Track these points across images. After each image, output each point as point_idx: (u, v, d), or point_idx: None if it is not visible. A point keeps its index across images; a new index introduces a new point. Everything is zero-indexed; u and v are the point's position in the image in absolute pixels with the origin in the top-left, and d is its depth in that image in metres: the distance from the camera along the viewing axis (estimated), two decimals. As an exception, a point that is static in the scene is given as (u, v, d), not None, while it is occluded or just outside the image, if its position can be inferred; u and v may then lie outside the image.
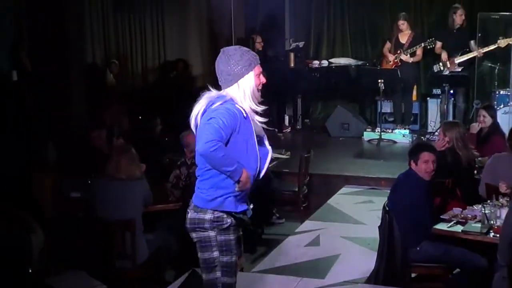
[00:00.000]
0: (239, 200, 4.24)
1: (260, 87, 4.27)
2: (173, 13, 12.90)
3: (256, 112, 4.27)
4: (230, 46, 4.37)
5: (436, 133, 9.00)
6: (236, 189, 4.15)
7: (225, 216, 4.21)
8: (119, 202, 5.93)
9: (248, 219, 4.36)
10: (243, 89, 4.20)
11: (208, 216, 4.20)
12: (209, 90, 4.25)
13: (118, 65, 11.74)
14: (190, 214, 4.26)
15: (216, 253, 4.25)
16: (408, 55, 11.24)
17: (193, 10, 13.19)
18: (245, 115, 4.17)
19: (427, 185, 5.83)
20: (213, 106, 4.13)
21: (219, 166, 4.07)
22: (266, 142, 4.44)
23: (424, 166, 5.80)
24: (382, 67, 11.58)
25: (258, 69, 4.25)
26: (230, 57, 4.20)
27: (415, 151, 5.96)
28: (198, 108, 4.20)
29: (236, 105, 4.15)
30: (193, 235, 4.28)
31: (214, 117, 4.05)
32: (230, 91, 4.20)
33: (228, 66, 4.19)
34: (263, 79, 4.29)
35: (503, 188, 5.99)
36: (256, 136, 4.28)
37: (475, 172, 7.07)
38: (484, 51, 10.70)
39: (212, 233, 4.22)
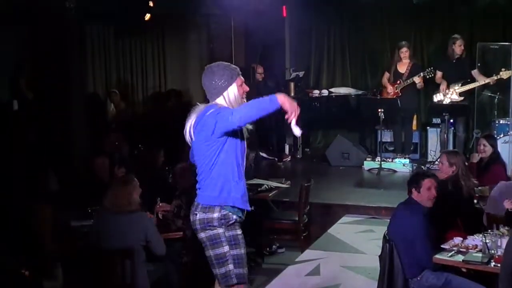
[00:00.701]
0: (242, 198, 4.67)
1: (244, 95, 4.75)
2: (174, 43, 12.98)
3: None
4: (212, 64, 4.82)
5: (437, 162, 8.98)
6: (297, 132, 4.58)
7: (230, 213, 4.64)
8: (118, 232, 5.92)
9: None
10: (228, 99, 4.68)
11: (216, 214, 4.60)
12: (196, 105, 4.73)
13: (118, 95, 11.78)
14: (199, 215, 4.64)
15: (226, 248, 4.64)
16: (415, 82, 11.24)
17: (194, 39, 13.26)
18: None
19: (427, 213, 5.81)
20: (208, 113, 4.56)
21: (258, 109, 4.40)
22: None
23: (428, 193, 5.80)
24: (383, 97, 11.60)
25: (239, 80, 4.71)
26: (214, 72, 4.69)
27: (416, 179, 5.94)
28: (190, 122, 4.67)
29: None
30: (202, 234, 4.65)
31: (218, 112, 4.48)
32: (218, 102, 4.67)
33: (213, 81, 4.68)
34: (246, 88, 4.77)
35: (508, 204, 5.98)
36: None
37: (475, 201, 7.07)
38: (485, 82, 10.74)
39: (220, 230, 4.62)
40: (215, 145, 4.58)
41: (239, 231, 4.73)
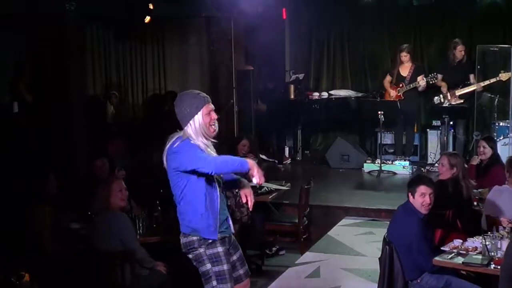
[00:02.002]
0: (208, 229, 4.87)
1: (212, 123, 4.92)
2: (174, 46, 12.98)
3: (208, 146, 4.90)
4: (184, 92, 5.10)
5: (436, 164, 8.99)
6: (254, 181, 4.85)
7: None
8: (98, 233, 5.96)
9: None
10: (194, 127, 4.86)
11: (195, 237, 4.90)
12: (177, 131, 4.94)
13: (118, 97, 11.77)
14: (182, 240, 4.97)
15: (209, 266, 4.90)
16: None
17: (194, 42, 13.26)
18: (200, 148, 4.79)
19: (425, 218, 5.80)
20: (174, 146, 4.82)
21: (231, 168, 4.86)
22: None
23: (421, 199, 5.76)
24: (382, 100, 11.59)
25: (206, 108, 4.88)
26: (182, 101, 4.93)
27: (413, 183, 5.93)
28: (165, 149, 4.93)
29: (191, 142, 4.81)
30: (190, 256, 4.96)
31: (185, 155, 4.75)
32: (186, 130, 4.87)
33: (181, 109, 4.90)
34: (214, 116, 4.93)
35: (505, 223, 5.98)
36: None
37: (475, 203, 7.08)
38: (484, 84, 10.77)
39: (201, 250, 4.90)
40: (184, 175, 4.85)
41: (220, 248, 4.91)
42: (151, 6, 10.74)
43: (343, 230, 8.76)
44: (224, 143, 8.08)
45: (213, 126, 4.91)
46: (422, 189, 5.79)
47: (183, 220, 4.93)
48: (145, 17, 10.90)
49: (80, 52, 10.03)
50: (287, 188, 8.54)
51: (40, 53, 9.71)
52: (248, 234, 7.66)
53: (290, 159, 12.73)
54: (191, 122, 4.86)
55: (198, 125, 4.85)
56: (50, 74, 9.57)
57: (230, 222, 5.10)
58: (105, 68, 11.74)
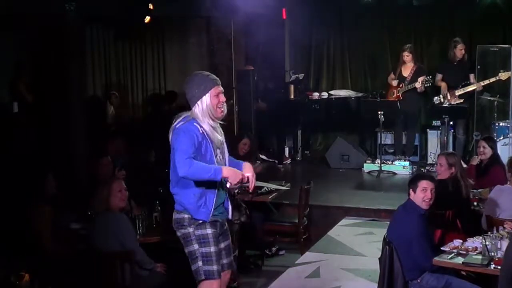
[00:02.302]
0: (203, 210, 4.95)
1: (220, 106, 5.00)
2: (174, 46, 12.98)
3: (215, 128, 5.00)
4: (195, 72, 5.22)
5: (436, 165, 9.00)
6: (228, 185, 4.96)
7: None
8: (98, 233, 5.97)
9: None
10: (201, 108, 4.95)
11: (187, 215, 4.98)
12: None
13: (118, 97, 11.76)
14: (174, 216, 5.07)
15: (196, 246, 4.99)
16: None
17: (194, 42, 13.27)
18: (201, 131, 4.89)
19: (425, 214, 5.82)
20: (177, 126, 4.93)
21: (201, 177, 4.85)
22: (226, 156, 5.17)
23: (422, 194, 5.79)
24: (388, 99, 11.57)
25: (215, 90, 4.99)
26: (192, 81, 5.06)
27: (414, 179, 5.99)
28: (171, 126, 4.99)
29: (194, 123, 4.90)
30: (178, 233, 5.06)
31: (177, 144, 4.85)
32: (194, 110, 4.98)
33: (190, 89, 5.03)
34: (222, 98, 5.02)
35: (509, 225, 5.98)
36: (218, 148, 5.04)
37: (475, 203, 7.09)
38: (484, 84, 10.77)
39: (190, 229, 4.98)
40: None
41: (209, 230, 4.98)
42: (151, 6, 10.73)
43: (343, 230, 8.76)
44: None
45: (220, 108, 4.99)
46: (423, 183, 5.82)
47: (177, 198, 5.02)
48: (145, 17, 10.90)
49: (80, 52, 10.01)
50: (287, 188, 8.54)
51: (40, 53, 9.70)
52: (248, 234, 7.67)
53: (290, 159, 12.73)
54: (198, 102, 4.95)
55: (205, 106, 4.93)
56: (50, 74, 9.56)
57: (229, 207, 5.17)
58: (105, 68, 11.75)
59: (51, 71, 9.54)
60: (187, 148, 4.81)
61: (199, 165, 4.81)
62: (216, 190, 4.98)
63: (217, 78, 5.06)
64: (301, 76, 13.14)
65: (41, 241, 6.23)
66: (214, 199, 4.98)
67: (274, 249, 8.28)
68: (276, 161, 12.42)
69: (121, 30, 11.86)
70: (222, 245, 5.17)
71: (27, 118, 9.78)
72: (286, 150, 12.91)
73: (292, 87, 12.84)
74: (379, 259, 5.89)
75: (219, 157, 5.04)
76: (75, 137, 9.54)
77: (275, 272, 7.55)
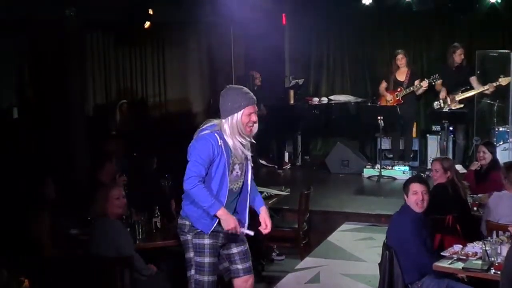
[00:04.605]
0: (203, 221, 4.98)
1: (250, 124, 4.99)
2: (174, 51, 12.99)
3: (243, 144, 5.02)
4: (234, 86, 5.21)
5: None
6: (224, 227, 4.93)
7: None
8: (94, 239, 5.97)
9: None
10: (231, 123, 4.95)
11: (187, 222, 5.04)
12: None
13: (127, 105, 11.75)
14: (178, 221, 5.17)
15: (192, 254, 5.04)
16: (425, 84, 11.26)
17: (194, 48, 13.28)
18: (220, 143, 4.90)
19: (420, 218, 5.81)
20: (202, 133, 4.95)
21: (198, 201, 4.88)
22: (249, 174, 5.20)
23: (414, 197, 5.81)
24: (382, 105, 11.62)
25: (248, 109, 4.96)
26: (228, 95, 5.00)
27: (405, 183, 6.04)
28: (197, 131, 5.03)
29: (216, 134, 4.92)
30: (180, 238, 5.14)
31: (193, 152, 4.89)
32: (223, 123, 4.97)
33: (224, 102, 4.98)
34: (254, 118, 4.99)
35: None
36: (238, 164, 5.06)
37: (475, 208, 7.10)
38: (485, 88, 10.77)
39: (189, 237, 5.04)
40: None
41: (206, 241, 5.01)
42: (151, 12, 10.75)
43: (343, 236, 8.76)
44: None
45: (250, 127, 5.00)
46: (414, 186, 5.85)
47: (183, 203, 5.09)
48: (145, 23, 10.92)
49: (80, 57, 10.02)
50: (287, 193, 8.55)
51: (40, 58, 9.71)
52: (248, 239, 7.66)
53: (290, 165, 12.73)
54: (229, 117, 4.95)
55: (235, 123, 4.93)
56: (50, 79, 9.56)
57: (243, 217, 5.20)
58: (105, 73, 11.74)
59: (51, 76, 9.55)
60: (202, 160, 4.86)
61: (202, 191, 4.84)
62: (224, 205, 4.96)
63: (254, 98, 5.03)
64: (300, 81, 13.16)
65: (41, 246, 6.22)
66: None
67: (274, 254, 8.27)
68: (276, 166, 12.42)
69: (121, 36, 11.85)
70: (235, 250, 5.22)
71: (27, 122, 9.78)
72: (286, 155, 12.92)
73: (291, 92, 12.85)
74: (379, 264, 5.89)
75: (237, 173, 5.08)
76: (75, 141, 9.54)
77: (275, 277, 7.55)
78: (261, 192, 7.99)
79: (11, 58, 9.76)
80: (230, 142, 4.95)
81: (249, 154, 5.14)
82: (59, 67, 9.50)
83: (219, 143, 4.90)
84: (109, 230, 5.96)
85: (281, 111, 12.69)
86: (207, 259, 5.01)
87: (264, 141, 12.78)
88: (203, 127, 5.02)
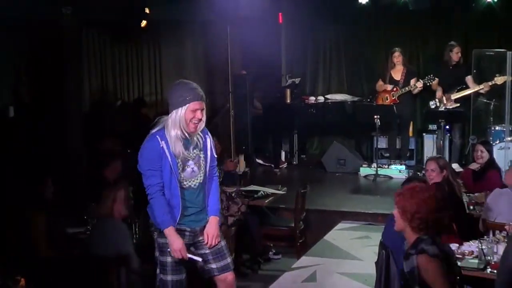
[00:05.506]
0: (157, 220, 4.91)
1: (195, 121, 4.87)
2: (170, 50, 12.97)
3: (185, 140, 4.90)
4: (184, 80, 5.08)
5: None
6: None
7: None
8: (97, 239, 5.97)
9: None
10: (174, 117, 4.85)
11: (153, 222, 4.99)
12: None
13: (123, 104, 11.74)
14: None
15: (157, 253, 5.04)
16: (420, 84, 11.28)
17: (190, 47, 13.26)
18: (162, 145, 4.82)
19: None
20: (150, 133, 4.93)
21: (153, 210, 4.90)
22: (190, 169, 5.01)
23: None
24: (378, 104, 11.63)
25: (194, 105, 4.84)
26: (175, 89, 4.92)
27: (404, 183, 6.03)
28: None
29: (157, 136, 4.84)
30: None
31: (141, 162, 4.88)
32: (168, 117, 4.88)
33: (171, 95, 4.92)
34: (198, 115, 4.87)
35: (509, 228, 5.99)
36: (191, 160, 4.96)
37: (471, 207, 7.10)
38: (480, 88, 10.79)
39: (155, 236, 5.02)
40: None
41: (167, 240, 4.90)
42: (147, 10, 10.74)
43: (340, 235, 8.76)
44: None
45: (195, 124, 4.88)
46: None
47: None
48: (142, 21, 10.90)
49: (76, 55, 10.00)
50: (283, 192, 8.55)
51: (37, 57, 9.69)
52: (244, 238, 7.67)
53: (286, 163, 12.74)
54: (173, 112, 4.86)
55: (177, 118, 4.83)
56: (47, 78, 9.55)
57: (212, 216, 5.09)
58: (101, 71, 11.71)
59: (48, 74, 9.53)
60: (150, 166, 4.86)
61: (157, 204, 4.85)
62: (180, 202, 4.92)
63: (202, 94, 4.94)
64: (297, 80, 13.16)
65: (37, 246, 6.22)
66: (180, 210, 4.93)
67: (270, 253, 8.29)
68: (273, 165, 12.43)
69: (117, 34, 11.83)
70: (207, 250, 5.09)
71: (24, 122, 9.75)
72: (283, 154, 12.92)
73: (288, 91, 12.85)
74: (376, 263, 5.88)
75: (192, 169, 4.98)
76: (72, 140, 9.52)
77: (271, 276, 7.55)
78: (258, 191, 8.06)
79: (7, 56, 9.73)
80: (170, 139, 4.85)
81: (198, 149, 5.01)
82: (55, 66, 9.48)
83: (161, 145, 4.83)
84: (112, 230, 5.95)
85: (278, 110, 12.70)
86: (169, 259, 4.96)
87: (261, 140, 12.79)
88: (153, 127, 4.97)
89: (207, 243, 5.04)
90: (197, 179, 5.00)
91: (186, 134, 4.89)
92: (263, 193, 8.13)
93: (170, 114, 4.87)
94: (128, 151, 9.47)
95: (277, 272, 7.65)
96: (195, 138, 4.98)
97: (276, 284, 7.24)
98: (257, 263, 7.97)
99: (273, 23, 13.14)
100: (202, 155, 5.03)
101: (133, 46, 12.25)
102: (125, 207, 6.15)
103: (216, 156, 5.24)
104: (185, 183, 4.95)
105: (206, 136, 5.10)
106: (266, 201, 8.05)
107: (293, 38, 13.80)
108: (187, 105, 4.82)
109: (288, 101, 12.82)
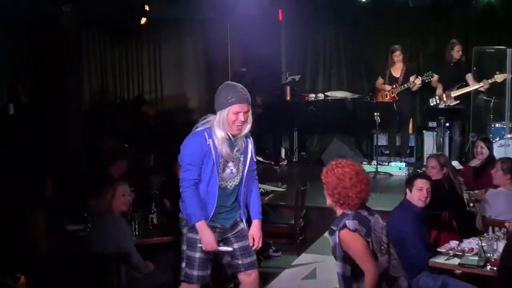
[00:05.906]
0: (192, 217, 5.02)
1: (238, 124, 4.97)
2: (170, 48, 12.98)
3: (230, 141, 5.02)
4: (231, 82, 5.21)
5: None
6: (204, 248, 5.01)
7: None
8: (97, 236, 5.98)
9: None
10: (218, 119, 4.96)
11: (184, 217, 5.10)
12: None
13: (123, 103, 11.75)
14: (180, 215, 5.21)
15: (185, 247, 5.13)
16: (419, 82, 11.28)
17: (190, 44, 13.27)
18: (208, 142, 4.93)
19: (421, 213, 5.84)
20: (195, 130, 5.06)
21: (185, 204, 5.01)
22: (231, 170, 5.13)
23: (418, 193, 5.86)
24: (378, 101, 11.63)
25: (236, 107, 4.93)
26: (222, 90, 5.01)
27: (410, 178, 6.08)
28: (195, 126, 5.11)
29: (204, 133, 4.96)
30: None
31: (183, 156, 5.02)
32: (215, 118, 4.99)
33: (217, 96, 5.00)
34: (240, 118, 4.96)
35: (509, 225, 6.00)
36: (232, 161, 5.08)
37: (471, 204, 7.11)
38: (482, 85, 10.78)
39: (185, 230, 5.12)
40: None
41: (199, 236, 5.00)
42: (147, 8, 10.74)
43: (340, 232, 8.74)
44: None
45: (239, 126, 4.99)
46: (419, 182, 5.89)
47: (180, 198, 5.13)
48: (141, 19, 10.90)
49: (76, 54, 10.00)
50: (283, 189, 8.55)
51: (36, 55, 9.70)
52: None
53: (286, 161, 12.72)
54: (218, 112, 4.97)
55: (221, 119, 4.94)
56: (46, 76, 9.56)
57: (241, 215, 5.26)
58: (101, 70, 11.73)
59: (47, 73, 9.54)
60: (190, 161, 4.98)
61: (191, 197, 4.96)
62: (216, 201, 5.04)
63: (247, 97, 5.01)
64: (297, 77, 13.14)
65: (37, 245, 6.22)
66: (214, 209, 5.06)
67: (270, 250, 8.28)
68: (272, 163, 12.41)
69: (117, 32, 11.84)
70: (236, 246, 5.23)
71: (24, 121, 9.76)
72: (283, 151, 12.90)
73: (288, 89, 12.83)
74: (376, 260, 5.89)
75: (231, 170, 5.10)
76: (71, 138, 9.53)
77: (271, 273, 7.54)
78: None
79: (7, 56, 9.74)
80: (217, 139, 4.97)
81: (239, 152, 5.14)
82: (55, 65, 9.49)
83: (207, 142, 4.95)
84: (111, 226, 5.96)
85: (278, 108, 12.69)
86: (198, 254, 5.07)
87: (261, 138, 12.78)
88: (198, 123, 5.08)
89: (253, 245, 5.22)
90: (234, 181, 5.14)
91: (230, 136, 5.01)
92: (263, 190, 8.12)
93: (217, 115, 4.99)
94: (126, 145, 9.49)
95: (277, 269, 7.65)
96: (239, 141, 5.11)
97: (276, 281, 7.25)
98: (257, 260, 7.96)
99: (273, 21, 13.13)
100: (242, 158, 5.18)
101: (133, 45, 12.26)
102: (124, 204, 6.16)
103: (255, 160, 5.37)
104: (222, 183, 5.07)
105: (248, 139, 5.24)
106: (266, 198, 8.05)
107: (293, 36, 13.78)
108: (229, 107, 4.92)
109: (288, 98, 12.80)
